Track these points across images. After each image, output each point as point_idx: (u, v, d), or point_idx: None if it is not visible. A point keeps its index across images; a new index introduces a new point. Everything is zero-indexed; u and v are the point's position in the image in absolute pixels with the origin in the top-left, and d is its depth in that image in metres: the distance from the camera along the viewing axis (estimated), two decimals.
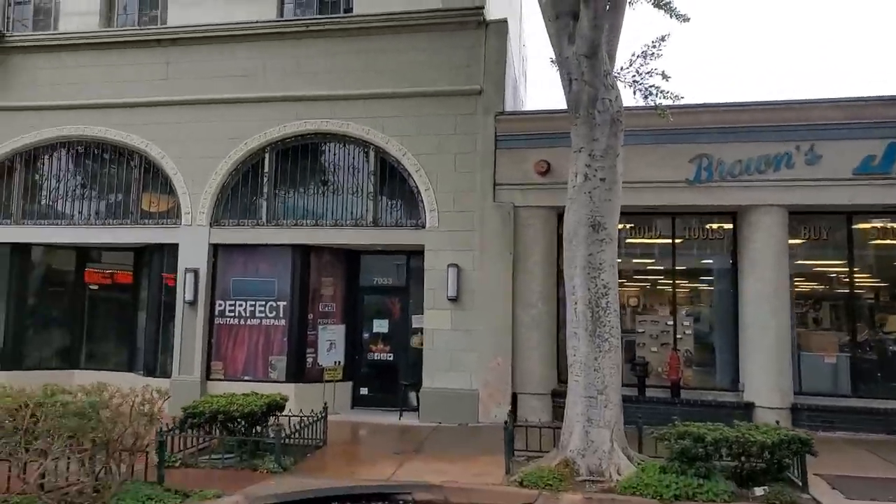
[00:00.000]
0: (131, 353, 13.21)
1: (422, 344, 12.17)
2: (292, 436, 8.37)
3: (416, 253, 12.22)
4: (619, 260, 8.54)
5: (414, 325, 12.35)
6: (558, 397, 10.94)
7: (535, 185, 11.23)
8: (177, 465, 7.54)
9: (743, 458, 7.13)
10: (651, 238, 11.51)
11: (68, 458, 5.82)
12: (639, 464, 7.60)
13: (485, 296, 11.17)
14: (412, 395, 11.95)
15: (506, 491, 7.01)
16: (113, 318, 13.74)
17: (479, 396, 11.05)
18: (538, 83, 42.62)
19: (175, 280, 12.32)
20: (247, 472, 7.51)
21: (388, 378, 12.43)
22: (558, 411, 10.81)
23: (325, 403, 9.65)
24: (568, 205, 7.96)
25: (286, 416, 8.75)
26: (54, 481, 5.76)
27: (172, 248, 12.53)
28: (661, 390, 11.06)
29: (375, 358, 12.54)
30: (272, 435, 8.10)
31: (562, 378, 11.27)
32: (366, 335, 12.63)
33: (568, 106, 7.90)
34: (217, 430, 8.10)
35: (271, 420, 8.49)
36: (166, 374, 12.20)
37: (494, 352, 11.06)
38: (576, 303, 7.78)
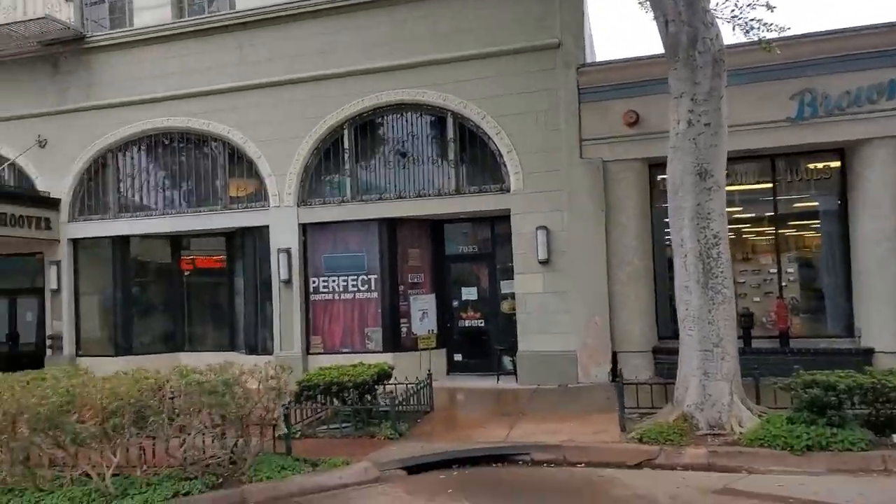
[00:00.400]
0: (231, 334, 13.69)
1: (512, 309, 12.14)
2: (402, 403, 8.48)
3: (501, 218, 12.10)
4: None
5: (503, 291, 12.31)
6: (661, 354, 10.71)
7: (624, 137, 10.85)
8: (297, 436, 7.73)
9: (878, 405, 6.78)
10: (750, 183, 10.98)
11: (203, 434, 6.06)
12: (760, 415, 7.35)
13: (576, 256, 10.96)
14: (506, 359, 11.94)
15: (626, 448, 6.90)
16: (210, 301, 14.27)
17: (577, 357, 10.93)
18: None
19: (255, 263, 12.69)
20: (364, 439, 7.66)
21: (480, 344, 12.46)
22: (660, 368, 10.61)
23: (429, 371, 9.73)
24: (670, 154, 7.63)
25: (392, 384, 8.87)
26: (194, 455, 6.02)
27: (260, 231, 12.84)
28: (768, 341, 10.63)
29: (466, 325, 12.57)
30: (382, 403, 8.24)
31: (661, 334, 11.05)
32: (455, 303, 12.66)
33: (665, 50, 7.53)
34: (331, 401, 8.29)
35: (378, 389, 8.62)
36: (267, 351, 12.59)
37: (591, 311, 10.88)
38: (685, 255, 7.50)
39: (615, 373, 10.75)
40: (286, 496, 5.89)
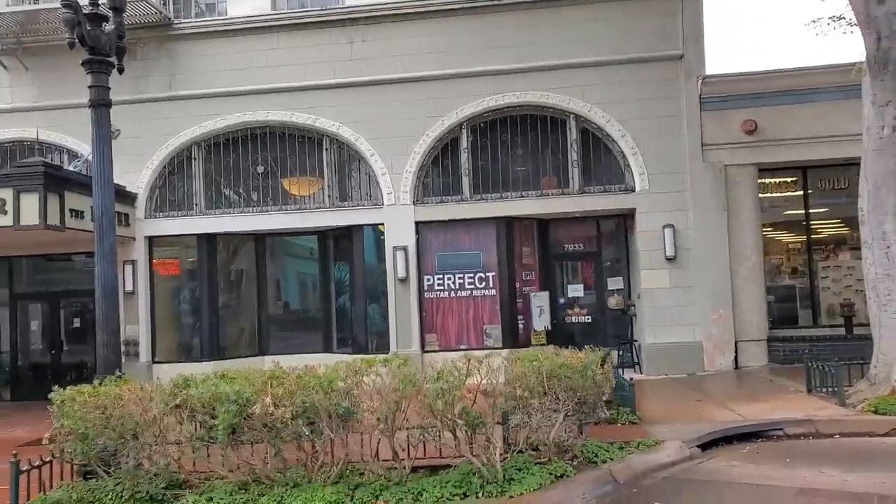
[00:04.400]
0: (326, 335, 13.34)
1: (618, 305, 12.81)
2: None
3: (608, 217, 12.75)
4: None
5: (609, 287, 12.90)
6: (775, 342, 11.72)
7: (743, 143, 11.79)
8: None
9: None
10: None
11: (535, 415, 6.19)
12: None
13: (701, 252, 11.75)
14: (614, 353, 12.48)
15: (870, 419, 7.65)
16: (299, 302, 13.87)
17: (703, 347, 11.69)
18: None
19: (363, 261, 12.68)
20: (603, 425, 7.85)
21: (588, 339, 12.83)
22: (775, 355, 11.65)
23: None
24: (872, 156, 8.54)
25: None
26: (537, 439, 6.15)
27: (368, 228, 12.71)
28: None
29: (574, 321, 13.03)
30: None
31: (773, 324, 12.04)
32: (561, 300, 13.09)
33: (872, 62, 8.40)
34: None
35: None
36: (380, 349, 12.38)
37: (715, 304, 11.69)
38: (888, 247, 8.42)
39: (737, 361, 11.66)
40: (642, 474, 6.15)
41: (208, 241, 13.09)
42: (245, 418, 5.59)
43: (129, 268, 12.91)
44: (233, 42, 12.88)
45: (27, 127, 13.32)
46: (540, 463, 5.97)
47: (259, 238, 13.50)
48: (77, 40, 6.97)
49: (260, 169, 13.08)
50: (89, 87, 7.28)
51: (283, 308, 13.92)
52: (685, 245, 11.80)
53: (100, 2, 7.20)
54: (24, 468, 5.67)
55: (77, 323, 14.14)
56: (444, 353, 12.14)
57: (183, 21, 13.04)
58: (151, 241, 13.10)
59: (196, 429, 5.74)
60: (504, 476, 5.67)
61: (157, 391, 5.94)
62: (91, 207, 11.39)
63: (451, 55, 12.40)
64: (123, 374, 6.70)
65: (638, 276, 12.16)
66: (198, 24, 13.01)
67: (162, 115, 12.98)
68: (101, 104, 7.29)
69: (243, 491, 5.67)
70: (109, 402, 5.75)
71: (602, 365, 6.39)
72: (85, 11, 7.04)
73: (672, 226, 11.76)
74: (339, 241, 13.24)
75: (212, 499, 5.57)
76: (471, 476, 5.67)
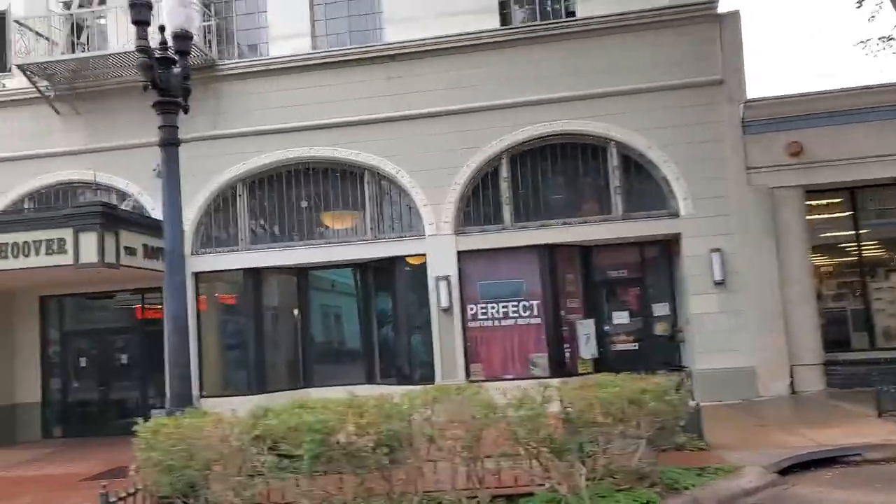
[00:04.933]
0: (368, 366, 13.34)
1: (665, 330, 12.69)
2: None
3: (651, 243, 12.73)
4: None
5: (655, 314, 12.81)
6: (834, 366, 11.51)
7: (788, 165, 11.78)
8: None
9: None
10: None
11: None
12: None
13: (749, 276, 11.67)
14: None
15: None
16: (337, 333, 13.90)
17: (756, 372, 11.52)
18: None
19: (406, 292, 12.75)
20: (671, 451, 7.77)
21: (635, 366, 12.63)
22: (833, 379, 11.43)
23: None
24: None
25: None
26: (619, 464, 6.08)
27: (401, 261, 12.86)
28: None
29: (620, 348, 12.91)
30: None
31: (827, 349, 11.85)
32: (606, 327, 13.00)
33: None
34: None
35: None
36: (425, 380, 12.25)
37: (766, 329, 11.56)
38: None
39: (793, 386, 11.47)
40: (727, 500, 6.05)
41: (253, 276, 13.24)
42: (328, 448, 5.59)
43: None
44: (275, 81, 13.20)
45: (78, 169, 13.67)
46: (622, 490, 5.89)
47: (301, 271, 13.62)
48: (150, 83, 7.18)
49: (303, 204, 13.27)
50: (160, 127, 7.49)
51: (325, 340, 13.97)
52: (733, 269, 11.73)
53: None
54: (112, 499, 5.70)
55: (123, 359, 14.28)
56: (490, 382, 12.11)
57: (227, 62, 13.41)
58: (198, 276, 13.28)
59: (278, 459, 5.74)
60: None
61: (236, 422, 5.96)
62: (143, 245, 11.78)
63: (487, 87, 12.58)
64: (194, 406, 6.75)
65: (685, 302, 12.08)
66: (240, 64, 13.37)
67: (207, 154, 13.24)
68: (170, 143, 7.48)
69: None
70: (193, 434, 5.79)
71: (677, 390, 6.34)
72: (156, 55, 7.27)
73: (719, 250, 11.71)
74: (380, 273, 13.32)
75: None
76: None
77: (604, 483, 5.95)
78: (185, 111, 7.82)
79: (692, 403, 8.54)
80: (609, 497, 5.68)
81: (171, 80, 7.36)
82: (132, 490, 5.95)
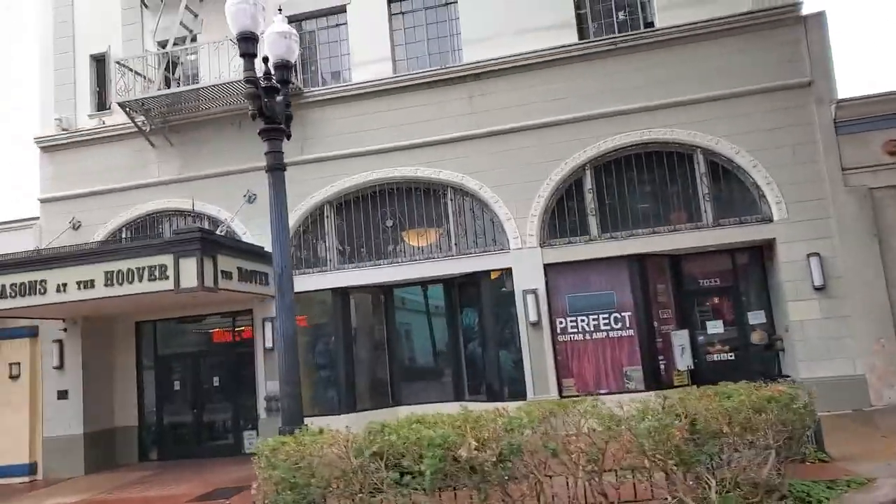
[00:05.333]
0: (457, 383, 13.38)
1: (762, 339, 12.26)
2: None
3: (742, 250, 12.36)
4: None
5: (751, 322, 12.39)
6: None
7: (886, 165, 11.29)
8: None
9: None
10: None
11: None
12: None
13: (852, 280, 11.17)
14: None
15: None
16: (423, 351, 14.02)
17: (866, 380, 10.98)
18: None
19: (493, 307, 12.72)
20: (796, 463, 7.51)
21: (732, 377, 12.20)
22: None
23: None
24: None
25: None
26: (746, 475, 5.88)
27: (486, 275, 12.86)
28: None
29: (715, 359, 12.54)
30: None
31: None
32: (700, 337, 12.66)
33: None
34: None
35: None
36: (516, 396, 12.24)
37: (874, 334, 11.02)
38: None
39: None
40: None
41: (342, 296, 13.54)
42: (449, 463, 5.64)
43: (269, 325, 13.47)
44: (358, 105, 13.56)
45: (171, 198, 14.35)
46: (752, 503, 5.70)
47: (387, 289, 13.84)
48: (257, 112, 7.51)
49: (389, 223, 13.52)
50: (266, 153, 7.82)
51: (411, 358, 14.12)
52: (834, 273, 11.26)
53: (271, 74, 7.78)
54: None
55: (215, 381, 14.75)
56: (584, 397, 11.93)
57: (311, 89, 13.86)
58: None
59: (399, 476, 5.82)
60: None
61: (353, 439, 6.09)
62: (237, 268, 12.22)
63: (567, 101, 12.57)
64: (307, 425, 6.90)
65: (784, 309, 11.64)
66: (325, 91, 13.79)
67: (295, 178, 13.49)
68: (277, 168, 7.81)
69: None
70: (314, 452, 5.94)
71: (810, 396, 6.11)
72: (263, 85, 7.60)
73: (818, 254, 11.27)
74: (465, 288, 13.39)
75: None
76: None
77: (731, 496, 5.78)
78: (288, 137, 8.15)
79: None
80: None
81: (275, 108, 7.69)
82: None
